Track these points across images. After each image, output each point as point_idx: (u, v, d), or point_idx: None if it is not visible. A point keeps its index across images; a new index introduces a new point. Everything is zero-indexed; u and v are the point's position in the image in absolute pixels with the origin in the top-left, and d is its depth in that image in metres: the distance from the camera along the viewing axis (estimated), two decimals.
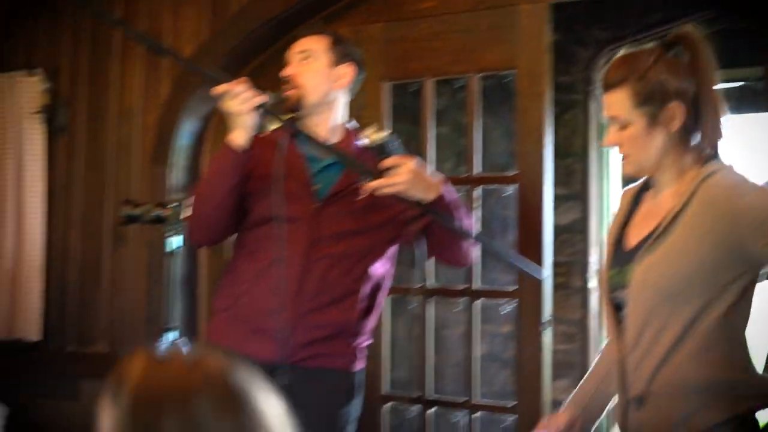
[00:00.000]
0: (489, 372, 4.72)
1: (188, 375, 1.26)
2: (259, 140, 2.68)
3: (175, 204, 3.60)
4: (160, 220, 3.62)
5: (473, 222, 2.74)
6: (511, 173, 3.64)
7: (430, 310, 3.73)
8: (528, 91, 3.51)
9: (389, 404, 3.76)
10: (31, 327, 4.34)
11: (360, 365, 2.79)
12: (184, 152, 4.14)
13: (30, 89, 4.37)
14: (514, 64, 3.53)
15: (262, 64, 3.95)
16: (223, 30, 3.99)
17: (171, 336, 3.57)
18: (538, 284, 3.39)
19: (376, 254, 2.78)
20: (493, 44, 3.58)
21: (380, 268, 2.81)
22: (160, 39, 4.03)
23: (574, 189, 4.79)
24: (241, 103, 2.57)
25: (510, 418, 3.71)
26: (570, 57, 4.78)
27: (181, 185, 4.11)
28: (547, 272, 3.41)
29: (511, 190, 3.72)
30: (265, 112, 2.63)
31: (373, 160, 2.56)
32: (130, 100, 4.21)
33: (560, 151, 4.40)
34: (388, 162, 2.52)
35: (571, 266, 4.82)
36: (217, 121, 4.16)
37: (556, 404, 3.58)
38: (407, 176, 2.51)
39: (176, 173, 4.11)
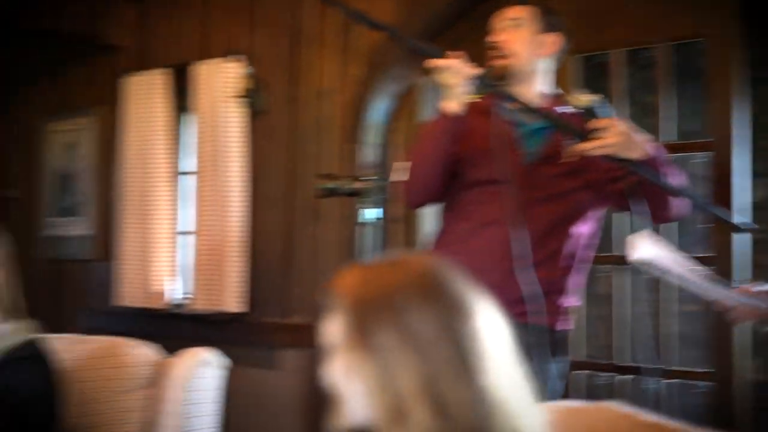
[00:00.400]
0: (686, 344, 4.67)
1: (392, 273, 1.38)
2: (468, 106, 2.80)
3: (369, 177, 3.75)
4: (355, 193, 3.77)
5: (682, 178, 2.77)
6: (700, 141, 3.63)
7: (621, 278, 3.75)
8: (718, 58, 3.48)
9: (579, 372, 3.81)
10: (235, 300, 4.58)
11: (564, 325, 2.87)
12: (377, 130, 4.29)
13: (232, 74, 4.62)
14: (703, 32, 3.51)
15: (451, 41, 4.06)
16: (415, 10, 4.11)
17: None
18: (730, 249, 3.38)
19: (581, 215, 2.88)
20: (681, 12, 3.56)
21: (585, 228, 2.89)
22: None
23: (765, 165, 4.69)
24: (455, 76, 2.71)
25: (703, 384, 3.68)
26: (759, 30, 4.68)
27: (373, 161, 4.26)
28: (745, 221, 3.39)
29: (699, 160, 3.69)
30: (477, 83, 2.76)
31: (580, 124, 2.63)
32: (325, 82, 4.39)
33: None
34: (597, 124, 2.58)
35: (763, 244, 4.72)
36: (408, 100, 4.30)
37: (756, 385, 3.54)
38: (617, 138, 2.57)
39: (369, 150, 4.27)
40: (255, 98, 4.60)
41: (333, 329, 1.38)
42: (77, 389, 2.70)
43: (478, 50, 2.98)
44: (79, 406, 2.69)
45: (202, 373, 2.76)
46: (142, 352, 2.78)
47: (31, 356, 2.40)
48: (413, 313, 1.33)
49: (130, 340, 2.82)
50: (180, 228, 5.03)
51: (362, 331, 1.34)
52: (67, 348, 2.79)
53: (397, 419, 1.31)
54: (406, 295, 1.34)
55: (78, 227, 5.51)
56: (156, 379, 2.76)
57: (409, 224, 4.15)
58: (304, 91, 4.47)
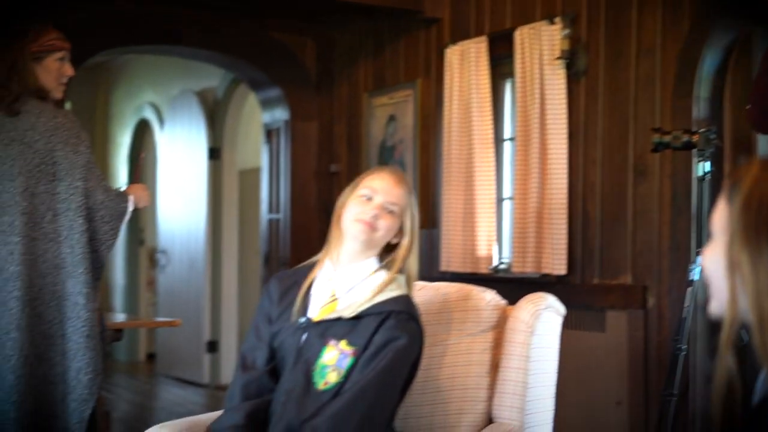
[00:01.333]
0: None
1: None
2: None
3: (702, 131, 3.65)
4: (689, 146, 3.69)
5: None
6: None
7: None
8: None
9: None
10: (557, 261, 4.60)
11: None
12: (706, 83, 4.16)
13: (551, 37, 4.63)
14: None
15: None
16: None
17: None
18: None
19: None
20: None
21: None
22: None
23: None
24: None
25: None
26: None
27: (704, 115, 4.14)
28: None
29: None
30: None
31: None
32: (649, 39, 4.31)
33: None
34: None
35: None
36: (740, 51, 4.15)
37: None
38: None
39: (699, 104, 4.15)
40: (575, 60, 4.59)
41: (723, 219, 1.36)
42: (428, 330, 2.81)
43: None
44: (430, 346, 2.79)
45: (546, 318, 2.80)
46: (490, 297, 2.85)
47: (409, 309, 2.53)
48: None
49: (477, 286, 2.90)
50: (501, 193, 5.11)
51: (758, 228, 1.31)
52: (417, 293, 2.91)
53: None
54: None
55: None
56: (502, 323, 2.82)
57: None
58: (627, 48, 4.40)
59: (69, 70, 3.41)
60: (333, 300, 2.56)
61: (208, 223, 8.06)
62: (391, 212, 2.56)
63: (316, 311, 2.55)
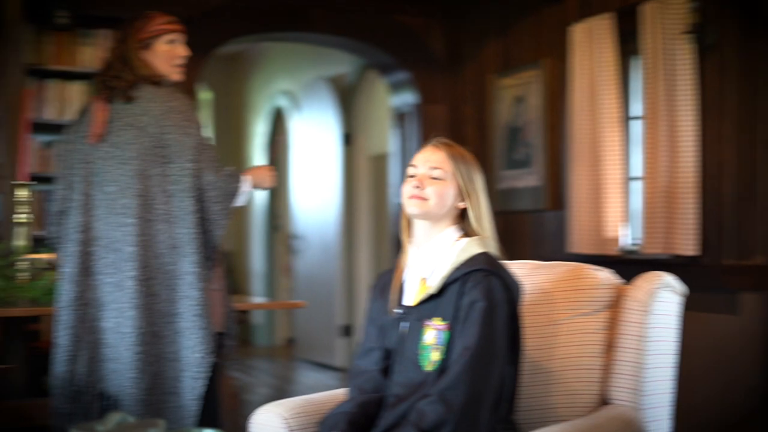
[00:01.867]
0: None
1: None
2: None
3: None
4: None
5: None
6: None
7: None
8: None
9: None
10: (688, 242, 4.46)
11: None
12: None
13: (678, 11, 4.48)
14: None
15: None
16: None
17: None
18: None
19: None
20: None
21: None
22: None
23: None
24: None
25: None
26: None
27: None
28: None
29: None
30: None
31: None
32: None
33: None
34: None
35: None
36: None
37: None
38: None
39: None
40: (704, 33, 4.43)
41: None
42: (540, 310, 2.77)
43: None
44: (542, 326, 2.75)
45: (663, 297, 2.71)
46: (604, 276, 2.78)
47: (486, 265, 2.47)
48: None
49: (592, 265, 2.83)
50: (629, 173, 4.99)
51: None
52: (529, 272, 2.87)
53: None
54: None
55: (528, 179, 5.64)
56: (617, 302, 2.75)
57: None
58: (758, 19, 4.23)
59: (181, 51, 3.47)
60: (423, 282, 2.55)
61: (342, 208, 8.14)
62: (436, 178, 2.53)
63: (411, 298, 2.56)
